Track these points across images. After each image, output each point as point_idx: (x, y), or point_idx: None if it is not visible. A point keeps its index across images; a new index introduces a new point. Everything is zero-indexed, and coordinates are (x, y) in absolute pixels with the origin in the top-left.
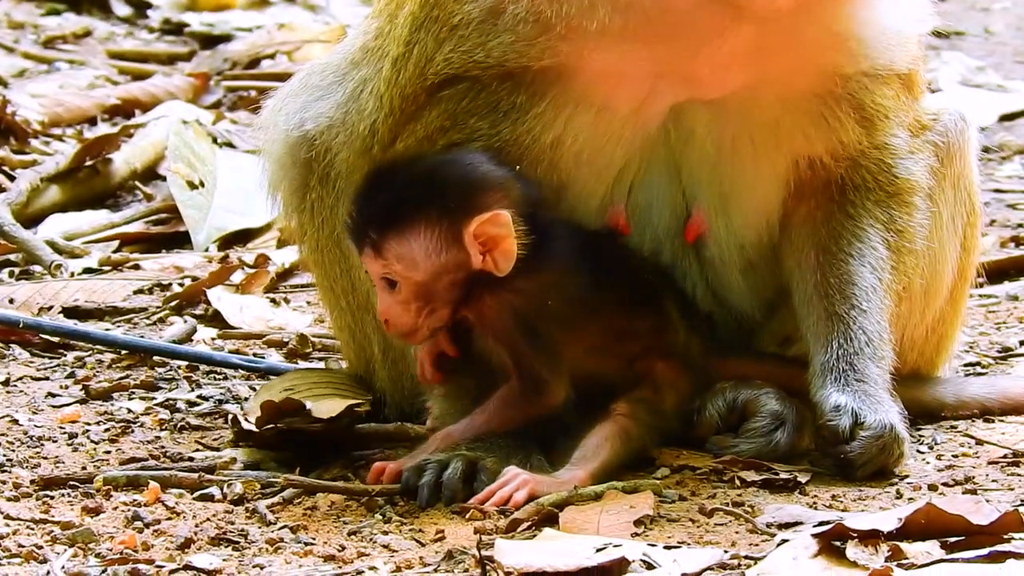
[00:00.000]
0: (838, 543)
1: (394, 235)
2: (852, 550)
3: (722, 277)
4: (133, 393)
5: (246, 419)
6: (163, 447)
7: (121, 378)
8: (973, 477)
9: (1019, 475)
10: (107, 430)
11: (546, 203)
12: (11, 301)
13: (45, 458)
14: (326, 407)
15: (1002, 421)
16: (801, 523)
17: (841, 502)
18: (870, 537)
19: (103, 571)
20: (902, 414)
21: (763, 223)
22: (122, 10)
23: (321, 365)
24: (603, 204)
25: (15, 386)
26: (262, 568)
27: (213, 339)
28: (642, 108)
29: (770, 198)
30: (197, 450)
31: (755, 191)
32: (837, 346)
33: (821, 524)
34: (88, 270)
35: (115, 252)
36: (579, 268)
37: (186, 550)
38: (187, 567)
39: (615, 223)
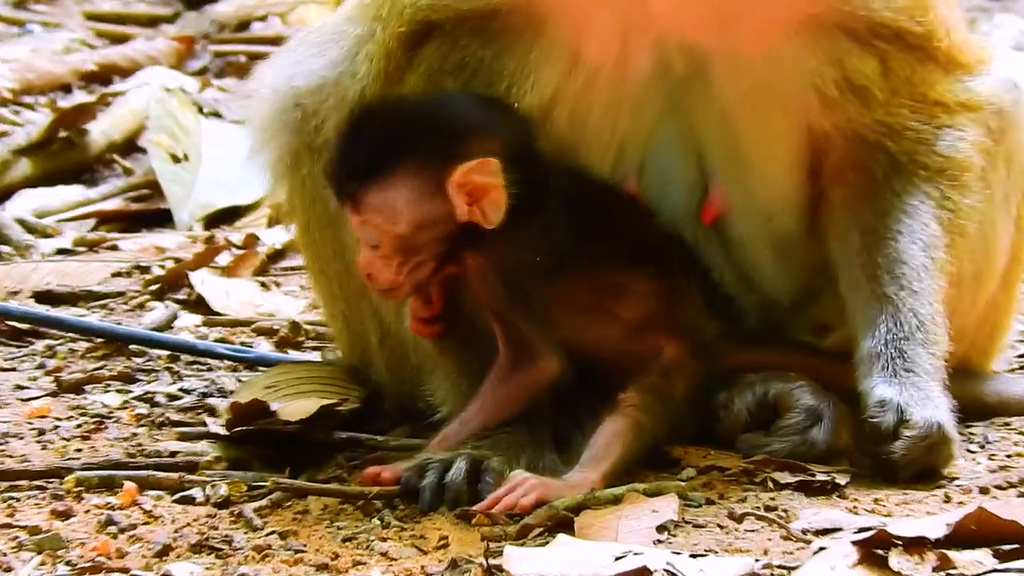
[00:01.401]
0: (880, 551)
1: (373, 185)
2: (896, 559)
3: (749, 260)
4: (108, 385)
5: (216, 422)
6: (140, 445)
7: (95, 369)
8: None
9: None
10: (79, 426)
11: (539, 146)
12: None
13: (11, 456)
14: (296, 409)
15: None
16: (840, 529)
17: (884, 506)
18: (916, 545)
19: None
20: (953, 409)
21: (789, 201)
22: None
23: (315, 356)
24: (608, 162)
25: None
26: None
27: (197, 326)
28: (622, 61)
29: (792, 171)
30: (178, 448)
31: (776, 165)
32: (885, 330)
33: (862, 530)
34: (61, 251)
35: (91, 231)
36: (573, 216)
37: (164, 558)
38: None
39: None
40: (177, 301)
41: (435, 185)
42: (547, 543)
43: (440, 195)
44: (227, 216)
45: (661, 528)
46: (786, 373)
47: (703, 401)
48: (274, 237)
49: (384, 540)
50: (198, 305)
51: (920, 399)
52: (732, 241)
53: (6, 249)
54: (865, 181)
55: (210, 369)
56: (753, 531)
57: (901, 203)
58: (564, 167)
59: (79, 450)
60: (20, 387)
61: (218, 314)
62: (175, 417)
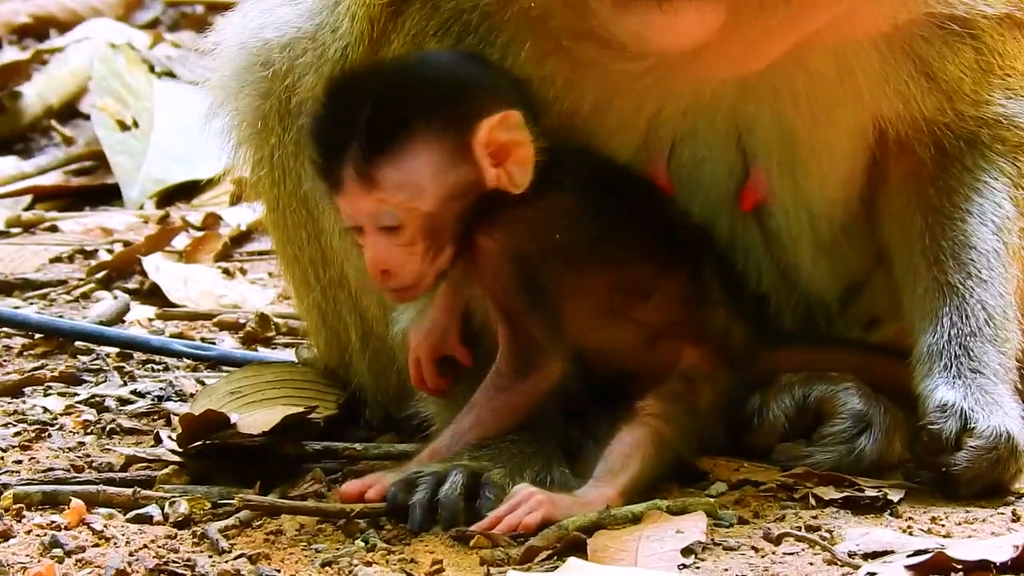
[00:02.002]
0: None
1: (389, 159)
2: None
3: (791, 254)
4: (50, 388)
5: (169, 436)
6: (88, 455)
7: (35, 369)
8: None
9: None
10: (17, 434)
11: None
12: None
13: None
14: (258, 420)
15: None
16: (892, 552)
17: (942, 526)
18: (978, 569)
19: None
20: None
21: (841, 185)
22: None
23: (287, 354)
24: (636, 161)
25: None
26: None
27: (150, 320)
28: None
29: (849, 154)
30: (131, 460)
31: (830, 147)
32: (949, 324)
33: (917, 553)
34: None
35: (26, 210)
36: (590, 202)
37: None
38: None
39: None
40: (127, 291)
41: (460, 148)
42: (556, 568)
43: (466, 159)
44: (184, 192)
45: (687, 551)
46: (829, 373)
47: (734, 411)
48: (238, 217)
49: (369, 564)
50: (152, 295)
51: (987, 404)
52: (773, 230)
53: None
54: (931, 155)
55: (166, 369)
56: (792, 554)
57: (972, 180)
58: (577, 147)
59: (18, 462)
60: None
61: (175, 305)
62: (127, 424)
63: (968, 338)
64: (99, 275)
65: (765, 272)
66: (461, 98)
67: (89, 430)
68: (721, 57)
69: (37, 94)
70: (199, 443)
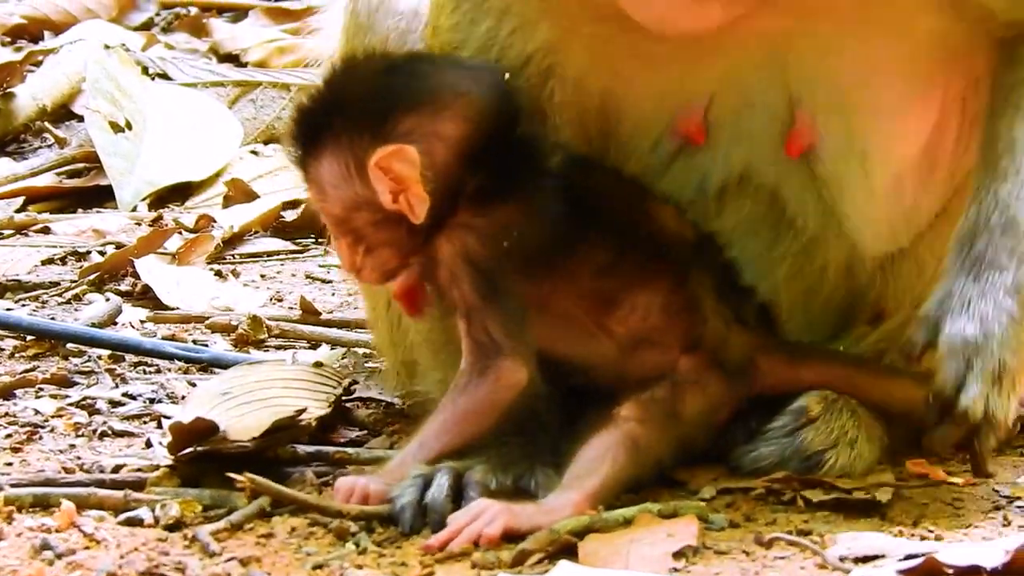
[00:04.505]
0: None
1: (308, 155)
2: None
3: (840, 201)
4: (42, 390)
5: (160, 442)
6: (79, 458)
7: (26, 371)
8: None
9: None
10: (8, 436)
11: (526, 118)
12: None
13: None
14: (247, 426)
15: None
16: (883, 556)
17: (932, 530)
18: (969, 574)
19: None
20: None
21: (894, 118)
22: None
23: (280, 357)
24: (669, 106)
25: None
26: None
27: (143, 322)
28: None
29: (903, 76)
30: (122, 462)
31: (880, 74)
32: (965, 218)
33: (908, 557)
34: None
35: (19, 211)
36: (563, 204)
37: None
38: None
39: (685, 130)
40: (120, 293)
41: (358, 167)
42: (547, 571)
43: (363, 179)
44: (177, 194)
45: (678, 555)
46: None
47: (727, 425)
48: (231, 219)
49: (360, 568)
50: (144, 297)
51: (962, 309)
52: (821, 176)
53: None
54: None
55: (158, 371)
56: (783, 558)
57: None
58: (558, 145)
59: (9, 464)
60: None
61: (167, 308)
62: (118, 426)
63: (975, 232)
64: (91, 277)
65: (811, 219)
66: (372, 116)
67: (80, 432)
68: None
69: (31, 95)
70: (190, 450)
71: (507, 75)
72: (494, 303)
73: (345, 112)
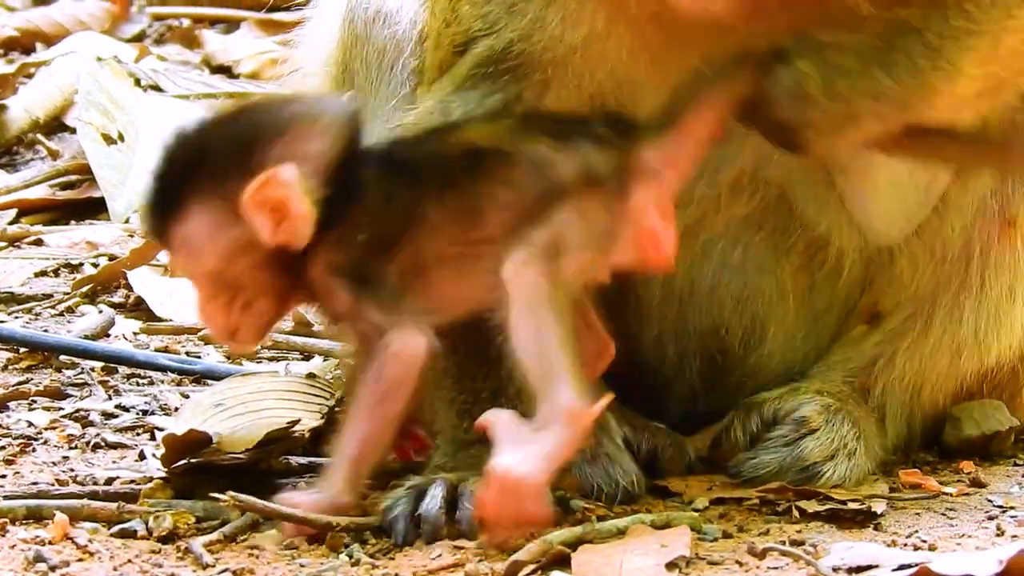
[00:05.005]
0: None
1: (170, 219)
2: None
3: (851, 198)
4: (35, 402)
5: (153, 454)
6: (72, 470)
7: (19, 383)
8: None
9: None
10: (2, 448)
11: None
12: None
13: None
14: (240, 436)
15: None
16: (877, 566)
17: (926, 540)
18: None
19: None
20: None
21: None
22: None
23: (274, 368)
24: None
25: None
26: None
27: (136, 334)
28: None
29: None
30: (115, 474)
31: None
32: None
33: (902, 567)
34: None
35: (11, 223)
36: (390, 188)
37: None
38: None
39: None
40: (113, 305)
41: (230, 210)
42: None
43: (239, 219)
44: None
45: (671, 565)
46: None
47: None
48: None
49: None
50: (137, 309)
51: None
52: (828, 173)
53: None
54: None
55: (151, 383)
56: (777, 568)
57: None
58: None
59: (2, 476)
60: None
61: (160, 319)
62: (111, 438)
63: None
64: (84, 289)
65: (819, 213)
66: (228, 157)
67: (73, 444)
68: None
69: (23, 107)
70: (183, 462)
71: (347, 96)
72: (367, 295)
73: (204, 163)
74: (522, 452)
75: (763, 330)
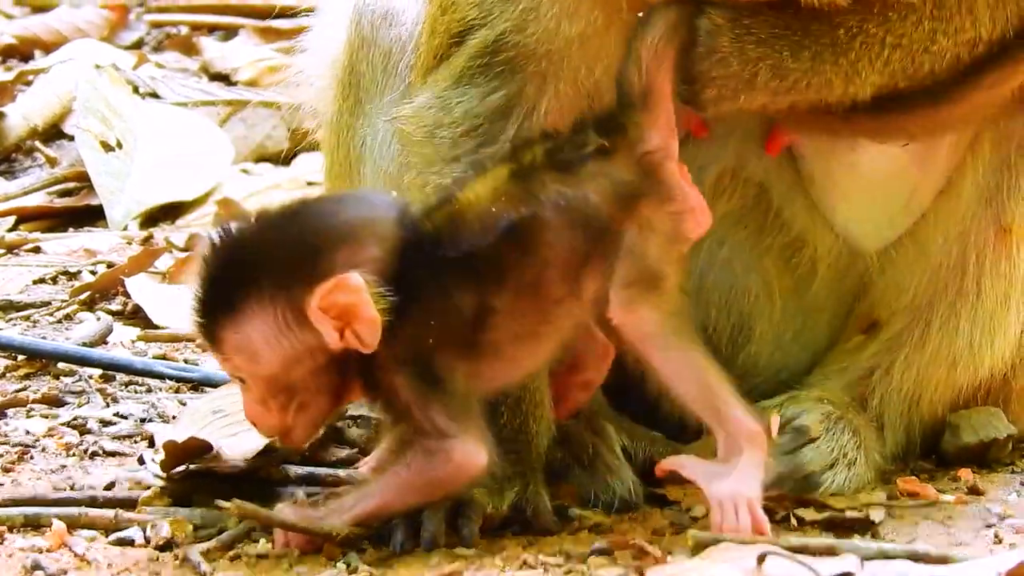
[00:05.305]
0: None
1: (225, 322)
2: None
3: (827, 198)
4: (32, 409)
5: (152, 460)
6: (70, 478)
7: (17, 390)
8: None
9: None
10: None
11: (421, 224)
12: None
13: None
14: (240, 444)
15: None
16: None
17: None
18: None
19: None
20: None
21: None
22: None
23: None
24: None
25: None
26: None
27: (133, 341)
28: None
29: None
30: (113, 482)
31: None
32: None
33: None
34: None
35: (10, 231)
36: (446, 278)
37: None
38: None
39: (687, 123)
40: (111, 312)
41: (294, 315)
42: None
43: (304, 325)
44: (167, 213)
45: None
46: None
47: None
48: None
49: None
50: (135, 317)
51: None
52: (804, 175)
53: None
54: None
55: (149, 390)
56: None
57: None
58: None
59: (0, 484)
60: None
61: (158, 327)
62: (109, 446)
63: None
64: (82, 296)
65: (797, 213)
66: (296, 262)
67: (71, 452)
68: None
69: (21, 115)
70: (182, 468)
71: (394, 194)
72: (435, 395)
73: (263, 267)
74: (733, 478)
75: (750, 329)
